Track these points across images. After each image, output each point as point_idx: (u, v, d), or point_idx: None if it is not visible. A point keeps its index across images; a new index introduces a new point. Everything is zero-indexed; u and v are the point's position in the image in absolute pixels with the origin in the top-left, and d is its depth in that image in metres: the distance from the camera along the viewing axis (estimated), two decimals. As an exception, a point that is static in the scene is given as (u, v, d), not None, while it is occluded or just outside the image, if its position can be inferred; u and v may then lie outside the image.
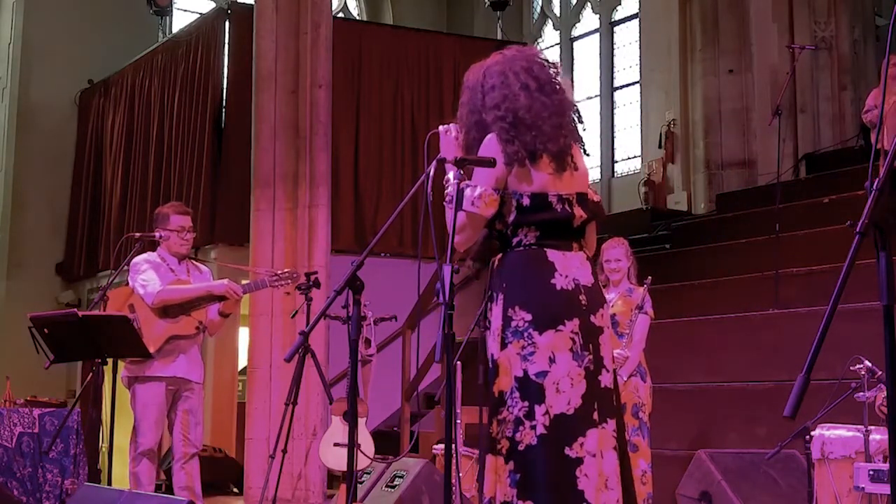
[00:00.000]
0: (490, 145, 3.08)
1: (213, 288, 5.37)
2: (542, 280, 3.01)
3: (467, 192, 3.01)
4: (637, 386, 5.31)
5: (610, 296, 5.48)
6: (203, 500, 5.58)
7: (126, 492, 3.87)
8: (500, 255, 3.13)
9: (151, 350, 5.20)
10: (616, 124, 12.91)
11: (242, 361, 9.05)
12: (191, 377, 5.38)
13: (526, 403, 2.94)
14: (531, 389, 2.94)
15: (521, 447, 2.93)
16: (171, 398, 5.34)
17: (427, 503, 5.79)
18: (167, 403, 5.32)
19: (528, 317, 2.97)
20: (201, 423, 5.51)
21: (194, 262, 5.65)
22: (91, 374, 5.00)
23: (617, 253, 5.51)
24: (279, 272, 5.56)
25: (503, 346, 3.01)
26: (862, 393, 4.42)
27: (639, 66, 12.41)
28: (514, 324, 2.98)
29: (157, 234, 5.59)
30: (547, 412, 2.92)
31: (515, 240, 3.08)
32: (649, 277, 5.50)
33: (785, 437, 4.71)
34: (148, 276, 5.33)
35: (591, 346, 3.01)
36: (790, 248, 7.54)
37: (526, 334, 2.96)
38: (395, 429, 8.22)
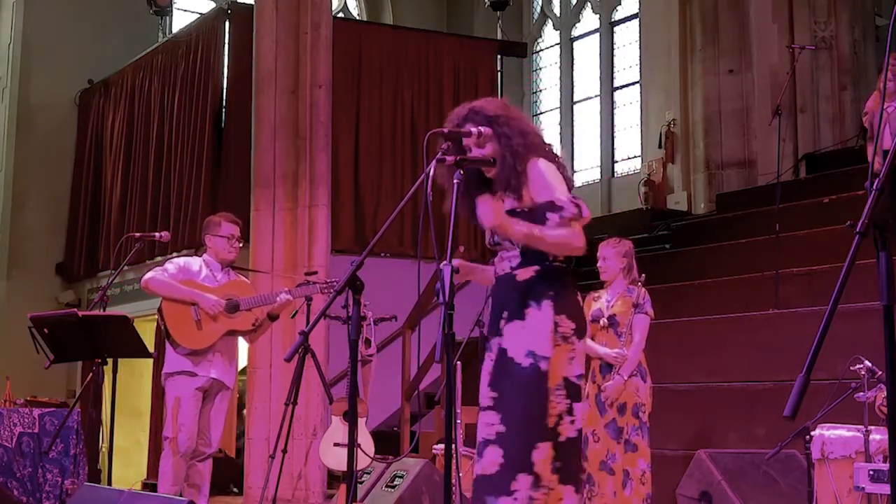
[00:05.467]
0: (548, 169, 3.30)
1: (199, 300, 5.32)
2: (574, 295, 3.41)
3: (583, 205, 3.29)
4: (637, 386, 5.29)
5: (606, 296, 5.46)
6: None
7: (126, 492, 3.87)
8: (535, 268, 3.28)
9: (206, 344, 5.22)
10: (616, 124, 12.90)
11: (242, 361, 9.03)
12: (225, 380, 5.40)
13: (568, 401, 3.25)
14: (573, 389, 3.28)
15: (561, 438, 3.21)
16: (202, 397, 5.36)
17: (427, 503, 5.78)
18: (200, 401, 5.35)
19: (573, 326, 3.30)
20: (223, 426, 5.52)
21: (234, 270, 5.64)
22: (91, 374, 5.00)
23: (605, 252, 5.46)
24: (328, 280, 5.61)
25: (555, 346, 3.27)
26: (862, 393, 4.42)
27: (639, 67, 12.40)
28: (561, 330, 3.27)
29: (156, 236, 5.63)
30: (580, 410, 3.31)
31: (551, 256, 3.31)
32: (643, 275, 5.47)
33: (785, 437, 4.71)
34: (166, 266, 5.38)
35: None
36: (790, 248, 7.54)
37: (570, 340, 3.29)
38: (395, 429, 8.21)
